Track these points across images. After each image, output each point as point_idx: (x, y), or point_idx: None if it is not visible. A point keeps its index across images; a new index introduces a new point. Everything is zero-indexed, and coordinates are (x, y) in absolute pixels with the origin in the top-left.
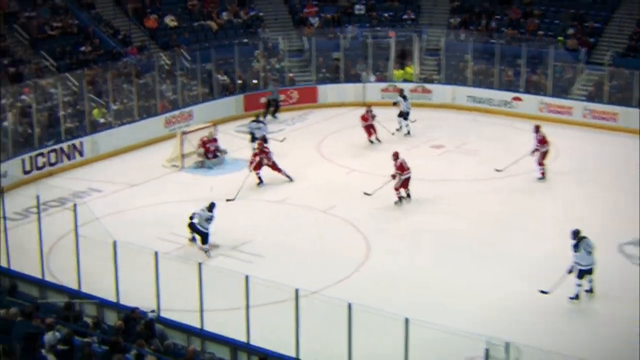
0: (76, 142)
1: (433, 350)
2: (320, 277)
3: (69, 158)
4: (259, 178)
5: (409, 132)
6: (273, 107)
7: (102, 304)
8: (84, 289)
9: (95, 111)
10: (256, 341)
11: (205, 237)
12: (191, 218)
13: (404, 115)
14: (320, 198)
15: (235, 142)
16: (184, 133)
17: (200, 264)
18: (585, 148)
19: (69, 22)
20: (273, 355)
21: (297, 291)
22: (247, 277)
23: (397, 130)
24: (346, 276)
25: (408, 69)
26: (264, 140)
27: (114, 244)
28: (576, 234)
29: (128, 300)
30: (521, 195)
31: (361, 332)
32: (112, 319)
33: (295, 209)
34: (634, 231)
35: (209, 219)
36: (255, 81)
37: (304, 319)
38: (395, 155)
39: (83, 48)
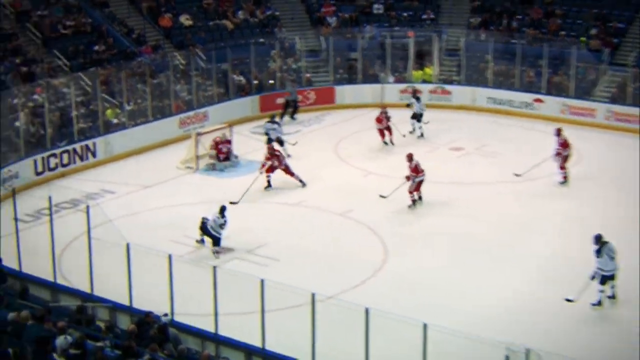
0: (89, 142)
1: (452, 357)
2: (336, 281)
3: (81, 159)
4: (268, 182)
5: (422, 135)
6: (291, 108)
7: (115, 307)
8: (97, 292)
9: (108, 111)
10: (271, 346)
11: (217, 241)
12: (204, 222)
13: (417, 117)
14: (336, 201)
15: (250, 143)
16: (199, 134)
17: (215, 267)
18: (608, 151)
19: (82, 20)
20: None
21: (313, 295)
22: (262, 281)
23: (410, 132)
24: (363, 280)
25: (427, 70)
26: (280, 142)
27: (127, 247)
28: (598, 239)
29: (141, 303)
30: (542, 199)
31: (378, 338)
32: (125, 322)
33: (311, 212)
34: None
35: (223, 225)
36: (271, 82)
37: (321, 323)
38: (410, 157)
39: (96, 47)
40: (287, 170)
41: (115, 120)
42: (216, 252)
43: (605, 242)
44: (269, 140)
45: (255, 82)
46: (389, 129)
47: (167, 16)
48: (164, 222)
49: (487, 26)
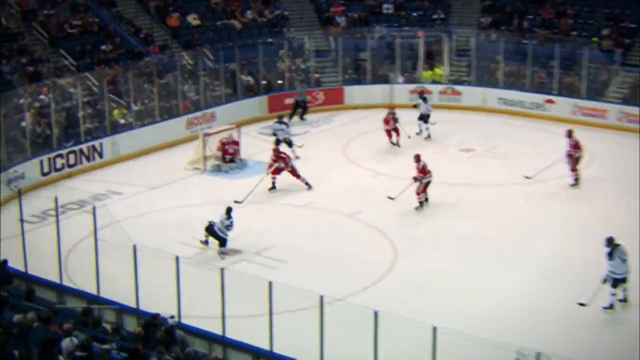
0: (96, 143)
1: None
2: (345, 283)
3: (88, 159)
4: (273, 183)
5: (429, 136)
6: (301, 108)
7: (122, 309)
8: (103, 294)
9: (115, 112)
10: (279, 349)
11: (223, 242)
12: (211, 225)
13: (424, 118)
14: (345, 202)
15: (258, 144)
16: (206, 135)
17: (222, 269)
18: (621, 153)
19: (89, 20)
20: None
21: (321, 298)
22: (270, 283)
23: (417, 134)
24: (372, 283)
25: (437, 70)
26: (289, 143)
27: (134, 248)
28: (610, 242)
29: (148, 305)
30: (552, 201)
31: (387, 340)
32: (131, 325)
33: (320, 213)
34: None
35: (229, 226)
36: (280, 82)
37: (329, 326)
38: (417, 158)
39: (103, 47)
40: (294, 173)
41: (122, 121)
42: (222, 254)
43: (617, 245)
44: (277, 142)
45: (264, 82)
46: (396, 130)
47: (174, 16)
48: (171, 223)
49: (497, 26)
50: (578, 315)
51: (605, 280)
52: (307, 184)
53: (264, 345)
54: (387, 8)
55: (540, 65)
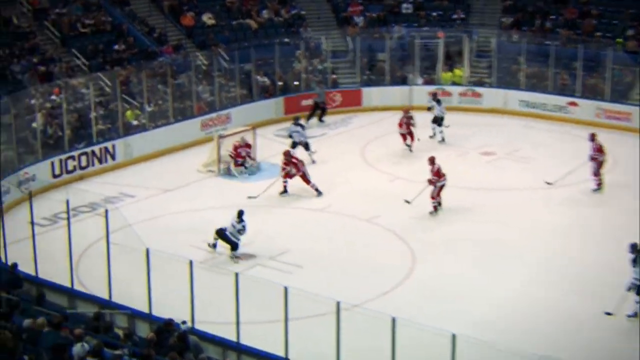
0: (108, 144)
1: None
2: (363, 289)
3: (100, 161)
4: (284, 187)
5: (443, 139)
6: (319, 110)
7: (134, 314)
8: (115, 299)
9: (128, 113)
10: (295, 356)
11: (235, 246)
12: (223, 230)
13: (438, 120)
14: (363, 206)
15: (274, 146)
16: (221, 137)
17: (237, 274)
18: None
19: (101, 19)
20: None
21: (338, 304)
22: (286, 289)
23: (430, 137)
24: (390, 288)
25: (457, 72)
26: (306, 146)
27: (147, 252)
28: (635, 248)
29: (161, 311)
30: (574, 207)
31: (405, 348)
32: (144, 330)
33: (336, 218)
34: None
35: (241, 230)
36: (296, 83)
37: (346, 333)
38: (432, 160)
39: (116, 46)
40: (304, 178)
41: (135, 122)
42: (235, 257)
43: None
44: (294, 144)
45: (280, 83)
46: (410, 133)
47: (189, 15)
48: (185, 226)
49: (519, 26)
50: (601, 324)
51: (629, 288)
52: (317, 190)
53: (279, 352)
54: (406, 8)
55: (563, 66)
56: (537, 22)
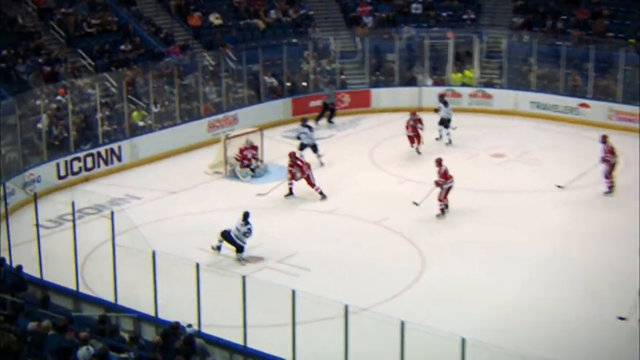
0: (114, 146)
1: None
2: (371, 292)
3: (106, 163)
4: (290, 189)
5: (450, 142)
6: (329, 111)
7: (140, 317)
8: (121, 302)
9: (134, 114)
10: None
11: (241, 249)
12: (227, 231)
13: (444, 122)
14: (371, 208)
15: (282, 148)
16: (228, 138)
17: (244, 277)
18: None
19: (107, 19)
20: None
21: (346, 307)
22: (293, 292)
23: (437, 139)
24: (399, 292)
25: (467, 73)
26: (314, 148)
27: (153, 254)
28: None
29: (167, 314)
30: (585, 210)
31: (414, 352)
32: (150, 333)
33: (345, 220)
34: None
35: (247, 233)
36: (304, 84)
37: (354, 337)
38: (439, 162)
39: (122, 47)
40: (309, 181)
41: (141, 123)
42: (242, 260)
43: None
44: (302, 146)
45: (288, 84)
46: (418, 136)
47: (196, 15)
48: (192, 229)
49: (530, 27)
50: (613, 328)
51: None
52: (321, 193)
53: (286, 356)
54: (416, 8)
55: (575, 67)
56: (549, 22)
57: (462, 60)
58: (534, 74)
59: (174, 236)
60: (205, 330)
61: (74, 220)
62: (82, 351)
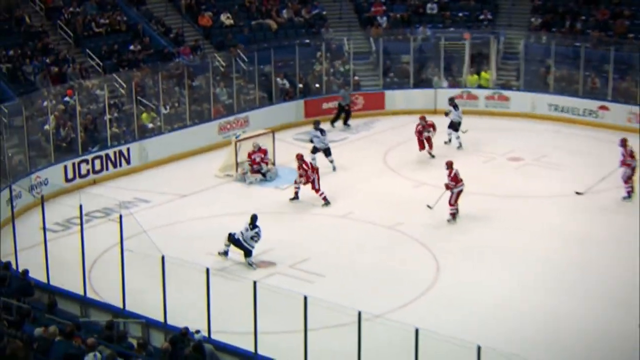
0: (123, 148)
1: None
2: (385, 298)
3: (114, 165)
4: (296, 193)
5: (460, 145)
6: (344, 113)
7: (148, 323)
8: (129, 307)
9: (143, 115)
10: None
11: (249, 253)
12: (233, 235)
13: (454, 126)
14: (385, 213)
15: (294, 151)
16: (239, 140)
17: (255, 283)
18: None
19: (116, 18)
20: None
21: (359, 314)
22: (305, 298)
23: (445, 143)
24: (413, 299)
25: (484, 74)
26: (327, 152)
27: (162, 259)
28: None
29: (176, 320)
30: (604, 215)
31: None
32: (159, 340)
33: (358, 225)
34: None
35: (254, 237)
36: (317, 85)
37: (367, 344)
38: (450, 164)
39: (132, 47)
40: (313, 186)
41: (150, 125)
42: (253, 264)
43: None
44: (314, 150)
45: (300, 85)
46: (428, 139)
47: (207, 15)
48: (202, 233)
49: (548, 28)
50: (636, 337)
51: None
52: (325, 199)
53: None
54: (431, 8)
55: (594, 69)
56: (567, 23)
57: (479, 61)
58: (552, 75)
59: (184, 240)
60: (215, 336)
61: (81, 224)
62: (90, 358)
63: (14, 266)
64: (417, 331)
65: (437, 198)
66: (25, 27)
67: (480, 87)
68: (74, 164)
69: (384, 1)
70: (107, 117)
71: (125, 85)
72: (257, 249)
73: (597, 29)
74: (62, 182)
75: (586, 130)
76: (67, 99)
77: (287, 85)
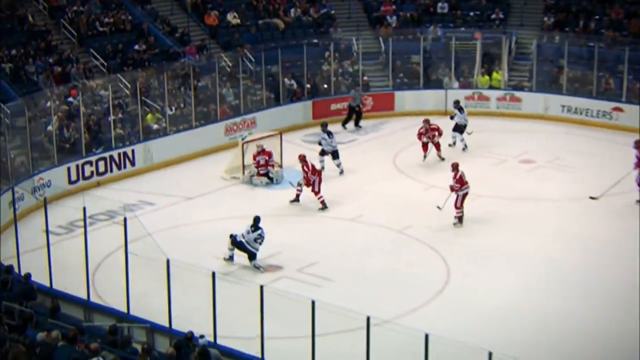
0: (127, 149)
1: None
2: (394, 303)
3: (119, 167)
4: (297, 195)
5: (465, 146)
6: (355, 114)
7: (153, 328)
8: (133, 312)
9: (148, 116)
10: None
11: (253, 255)
12: (234, 237)
13: (459, 128)
14: (395, 216)
15: (302, 152)
16: (246, 142)
17: (262, 287)
18: None
19: (121, 17)
20: None
21: (368, 319)
22: (313, 302)
23: (450, 145)
24: (423, 303)
25: (495, 75)
26: (335, 155)
27: (167, 263)
28: None
29: (181, 324)
30: (617, 219)
31: None
32: (163, 345)
33: (367, 228)
34: None
35: (257, 239)
36: (325, 86)
37: (375, 349)
38: (455, 166)
39: (136, 47)
40: (313, 188)
41: (155, 126)
42: (260, 267)
43: None
44: (322, 152)
45: (308, 86)
46: (436, 144)
47: (213, 14)
48: (208, 236)
49: (561, 27)
50: None
51: None
52: (323, 202)
53: None
54: (442, 7)
55: (608, 70)
56: (581, 22)
57: (490, 62)
58: (565, 76)
59: (189, 243)
60: (221, 341)
61: (85, 227)
62: None
63: (16, 270)
64: (427, 337)
65: (445, 199)
66: (28, 26)
67: (491, 87)
68: (77, 166)
69: (394, 0)
70: (112, 118)
71: (129, 86)
72: (264, 253)
73: (611, 29)
74: (65, 184)
75: (600, 132)
76: (70, 99)
77: (295, 85)
